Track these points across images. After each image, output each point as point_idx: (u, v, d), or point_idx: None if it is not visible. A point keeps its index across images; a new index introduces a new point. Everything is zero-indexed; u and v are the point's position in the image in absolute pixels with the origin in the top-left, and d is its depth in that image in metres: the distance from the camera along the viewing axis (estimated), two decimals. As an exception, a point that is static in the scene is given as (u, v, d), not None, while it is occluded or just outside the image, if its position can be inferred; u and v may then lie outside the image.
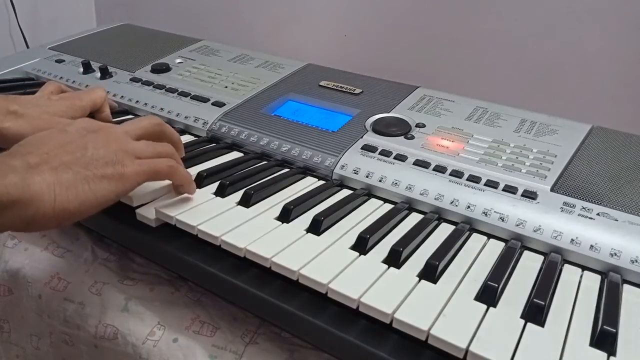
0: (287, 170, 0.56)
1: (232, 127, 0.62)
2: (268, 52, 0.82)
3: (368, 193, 0.52)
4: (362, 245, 0.42)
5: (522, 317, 0.36)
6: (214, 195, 0.50)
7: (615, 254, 0.41)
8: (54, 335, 0.55)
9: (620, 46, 0.81)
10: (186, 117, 0.66)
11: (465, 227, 0.46)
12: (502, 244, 0.45)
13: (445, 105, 0.63)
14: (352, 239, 0.43)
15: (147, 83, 0.73)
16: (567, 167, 0.51)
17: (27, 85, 0.78)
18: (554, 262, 0.42)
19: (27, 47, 1.26)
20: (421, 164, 0.52)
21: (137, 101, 0.70)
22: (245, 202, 0.48)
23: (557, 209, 0.46)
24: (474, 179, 0.50)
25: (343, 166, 0.54)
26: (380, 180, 0.52)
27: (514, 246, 0.44)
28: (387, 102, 0.64)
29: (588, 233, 0.43)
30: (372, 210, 0.49)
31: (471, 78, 0.94)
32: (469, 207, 0.47)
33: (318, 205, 0.49)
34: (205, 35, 0.90)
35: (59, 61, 0.82)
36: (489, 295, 0.37)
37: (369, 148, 0.55)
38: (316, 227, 0.45)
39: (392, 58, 1.01)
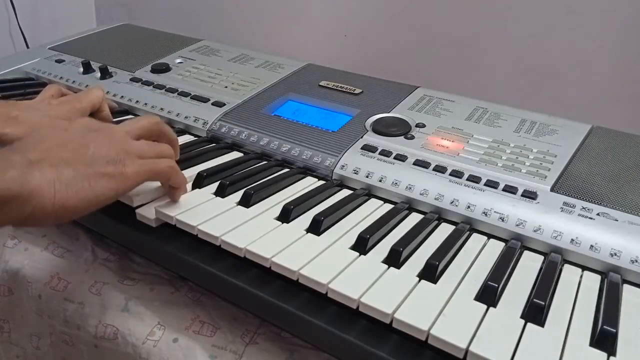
0: (287, 170, 0.56)
1: (232, 127, 0.62)
2: (268, 52, 0.82)
3: (368, 193, 0.52)
4: (362, 245, 0.42)
5: (522, 317, 0.36)
6: (214, 195, 0.50)
7: (615, 254, 0.41)
8: (54, 335, 0.55)
9: (620, 46, 0.81)
10: (186, 117, 0.66)
11: (465, 227, 0.46)
12: (502, 244, 0.45)
13: (445, 105, 0.63)
14: (352, 239, 0.43)
15: (147, 83, 0.73)
16: (567, 167, 0.51)
17: (27, 85, 0.78)
18: (554, 262, 0.42)
19: (27, 47, 1.26)
20: (421, 164, 0.52)
21: (137, 101, 0.70)
22: (245, 202, 0.48)
23: (557, 209, 0.46)
24: (474, 179, 0.50)
25: (343, 166, 0.54)
26: (380, 180, 0.52)
27: (514, 246, 0.44)
28: (387, 102, 0.64)
29: (588, 233, 0.43)
30: (372, 210, 0.49)
31: (471, 78, 0.94)
32: (469, 207, 0.47)
33: (318, 205, 0.49)
34: (205, 35, 0.90)
35: (59, 61, 0.82)
36: (489, 295, 0.37)
37: (369, 148, 0.55)
38: (316, 227, 0.45)
39: (392, 58, 1.01)
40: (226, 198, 0.49)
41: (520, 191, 0.48)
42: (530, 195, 0.47)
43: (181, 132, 0.65)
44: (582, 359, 0.33)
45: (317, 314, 0.38)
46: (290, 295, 0.39)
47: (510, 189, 0.48)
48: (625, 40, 0.80)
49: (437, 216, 0.48)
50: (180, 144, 0.53)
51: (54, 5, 1.33)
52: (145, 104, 0.69)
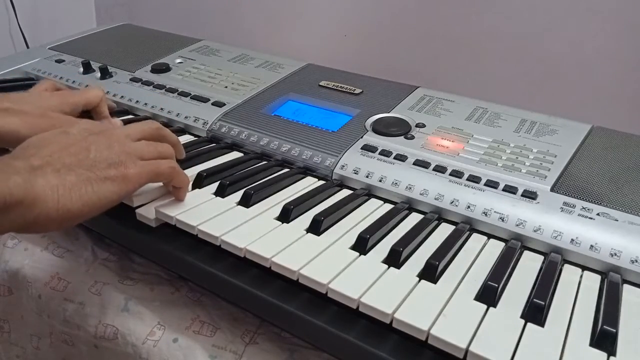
0: (287, 170, 0.56)
1: (232, 127, 0.62)
2: (268, 52, 0.82)
3: (368, 193, 0.52)
4: (362, 245, 0.42)
5: (522, 317, 0.36)
6: (214, 195, 0.50)
7: (615, 254, 0.41)
8: (54, 335, 0.55)
9: (620, 46, 0.81)
10: (186, 117, 0.66)
11: (465, 227, 0.46)
12: (502, 244, 0.45)
13: (445, 105, 0.63)
14: (352, 239, 0.43)
15: (147, 83, 0.73)
16: (567, 167, 0.51)
17: (27, 85, 0.78)
18: (554, 262, 0.42)
19: (27, 47, 1.26)
20: (421, 164, 0.52)
21: (137, 101, 0.70)
22: (245, 202, 0.48)
23: (557, 209, 0.46)
24: (474, 179, 0.50)
25: (343, 166, 0.54)
26: (380, 180, 0.52)
27: (514, 246, 0.44)
28: (387, 102, 0.64)
29: (588, 233, 0.43)
30: (372, 210, 0.49)
31: (471, 78, 0.94)
32: (469, 207, 0.47)
33: (318, 205, 0.49)
34: (205, 35, 0.90)
35: (59, 61, 0.82)
36: (489, 295, 0.37)
37: (369, 148, 0.55)
38: (316, 227, 0.45)
39: (392, 58, 1.01)
40: (226, 198, 0.49)
41: (520, 191, 0.48)
42: (530, 195, 0.47)
43: (181, 132, 0.65)
44: (582, 359, 0.33)
45: (317, 314, 0.38)
46: (290, 295, 0.39)
47: (510, 189, 0.48)
48: (625, 40, 0.80)
49: (437, 216, 0.48)
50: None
51: (54, 5, 1.33)
52: (145, 104, 0.69)
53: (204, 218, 0.45)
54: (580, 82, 0.86)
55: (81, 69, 0.78)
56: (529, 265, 0.42)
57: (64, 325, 0.53)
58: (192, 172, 0.53)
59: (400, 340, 0.36)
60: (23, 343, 0.59)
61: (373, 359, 0.35)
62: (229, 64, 0.78)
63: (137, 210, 0.47)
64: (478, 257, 0.43)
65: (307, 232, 0.44)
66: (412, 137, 0.57)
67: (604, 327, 0.34)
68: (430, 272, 0.39)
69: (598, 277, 0.42)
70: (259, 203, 0.49)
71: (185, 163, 0.54)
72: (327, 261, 0.40)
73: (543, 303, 0.36)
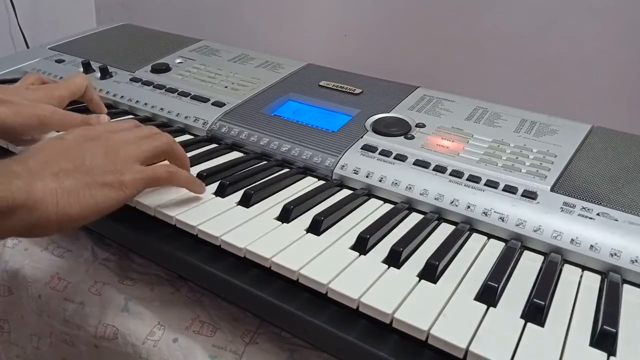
0: (287, 170, 0.56)
1: (232, 127, 0.62)
2: (268, 52, 0.82)
3: (368, 193, 0.52)
4: (362, 245, 0.42)
5: (522, 317, 0.36)
6: (214, 195, 0.50)
7: (615, 254, 0.41)
8: (54, 335, 0.55)
9: (620, 46, 0.81)
10: (186, 117, 0.66)
11: (465, 227, 0.46)
12: (502, 244, 0.45)
13: (445, 105, 0.63)
14: (352, 239, 0.43)
15: (147, 83, 0.73)
16: (567, 167, 0.51)
17: (27, 85, 0.78)
18: (554, 262, 0.42)
19: (27, 47, 1.26)
20: (421, 164, 0.52)
21: (137, 101, 0.70)
22: (245, 202, 0.48)
23: (557, 209, 0.46)
24: (474, 179, 0.50)
25: (343, 166, 0.54)
26: (380, 180, 0.52)
27: (514, 246, 0.44)
28: (387, 102, 0.64)
29: (588, 233, 0.43)
30: (372, 210, 0.49)
31: (471, 78, 0.94)
32: (469, 207, 0.47)
33: (318, 205, 0.49)
34: (205, 35, 0.90)
35: (59, 61, 0.82)
36: (489, 295, 0.37)
37: (369, 148, 0.55)
38: (316, 227, 0.45)
39: (392, 58, 1.01)
40: (226, 198, 0.49)
41: (520, 191, 0.48)
42: (530, 195, 0.47)
43: (181, 132, 0.65)
44: (582, 359, 0.33)
45: (317, 314, 0.38)
46: (290, 295, 0.39)
47: (510, 189, 0.48)
48: (625, 40, 0.80)
49: (437, 216, 0.48)
50: (180, 143, 0.53)
51: (54, 5, 1.33)
52: (145, 104, 0.69)
53: (204, 218, 0.45)
54: (580, 82, 0.86)
55: (81, 69, 0.78)
56: (529, 265, 0.42)
57: (64, 325, 0.53)
58: (192, 172, 0.53)
59: (400, 340, 0.36)
60: (23, 343, 0.59)
61: (373, 359, 0.35)
62: (229, 64, 0.78)
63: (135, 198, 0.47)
64: (478, 257, 0.43)
65: (307, 232, 0.44)
66: (412, 137, 0.57)
67: (604, 327, 0.34)
68: (430, 272, 0.39)
69: (598, 277, 0.42)
70: (259, 203, 0.49)
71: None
72: (327, 261, 0.40)
73: (543, 303, 0.36)
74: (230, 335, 0.46)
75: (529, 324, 0.35)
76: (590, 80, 0.85)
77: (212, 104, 0.67)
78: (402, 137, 0.57)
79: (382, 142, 0.56)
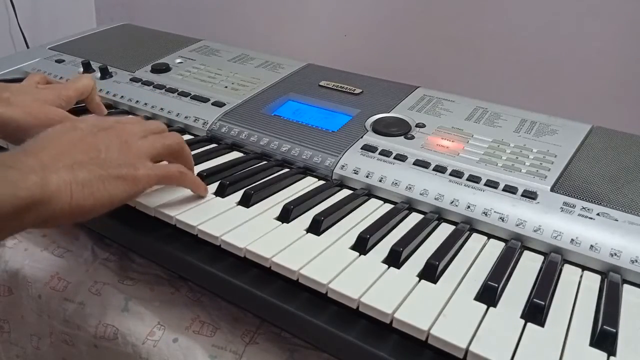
0: (287, 170, 0.56)
1: (232, 127, 0.62)
2: (268, 52, 0.82)
3: (368, 193, 0.52)
4: (362, 245, 0.42)
5: (522, 317, 0.36)
6: (214, 195, 0.50)
7: (615, 254, 0.41)
8: (54, 335, 0.55)
9: (620, 46, 0.81)
10: (186, 117, 0.66)
11: (465, 227, 0.46)
12: (502, 244, 0.45)
13: (445, 105, 0.63)
14: (352, 239, 0.44)
15: (147, 83, 0.73)
16: (567, 167, 0.51)
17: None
18: (554, 262, 0.42)
19: (27, 47, 1.26)
20: (421, 164, 0.52)
21: (137, 101, 0.70)
22: (245, 202, 0.48)
23: (557, 209, 0.46)
24: (474, 179, 0.50)
25: (343, 166, 0.54)
26: (380, 180, 0.52)
27: (514, 246, 0.44)
28: (387, 102, 0.64)
29: (588, 233, 0.43)
30: (372, 210, 0.49)
31: (471, 78, 0.94)
32: (469, 207, 0.47)
33: (318, 205, 0.49)
34: (205, 35, 0.90)
35: (59, 61, 0.82)
36: (489, 295, 0.37)
37: (369, 148, 0.55)
38: (316, 227, 0.45)
39: (392, 58, 1.01)
40: (226, 198, 0.49)
41: (520, 191, 0.48)
42: (530, 195, 0.47)
43: (181, 132, 0.65)
44: (582, 359, 0.33)
45: (317, 314, 0.38)
46: (290, 295, 0.39)
47: (510, 189, 0.48)
48: (625, 40, 0.80)
49: (437, 216, 0.48)
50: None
51: (54, 5, 1.33)
52: (145, 104, 0.69)
53: (204, 218, 0.45)
54: (580, 82, 0.86)
55: (81, 69, 0.78)
56: (529, 265, 0.42)
57: (64, 325, 0.53)
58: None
59: (400, 340, 0.36)
60: (23, 343, 0.59)
61: (373, 359, 0.35)
62: (229, 64, 0.78)
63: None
64: (478, 257, 0.43)
65: (307, 232, 0.44)
66: (412, 137, 0.57)
67: (604, 327, 0.34)
68: (430, 272, 0.39)
69: (598, 277, 0.42)
70: (259, 203, 0.49)
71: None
72: (327, 261, 0.40)
73: (543, 303, 0.36)
74: (230, 335, 0.46)
75: (529, 324, 0.35)
76: (590, 80, 0.85)
77: (212, 104, 0.67)
78: (402, 137, 0.57)
79: (382, 142, 0.56)
